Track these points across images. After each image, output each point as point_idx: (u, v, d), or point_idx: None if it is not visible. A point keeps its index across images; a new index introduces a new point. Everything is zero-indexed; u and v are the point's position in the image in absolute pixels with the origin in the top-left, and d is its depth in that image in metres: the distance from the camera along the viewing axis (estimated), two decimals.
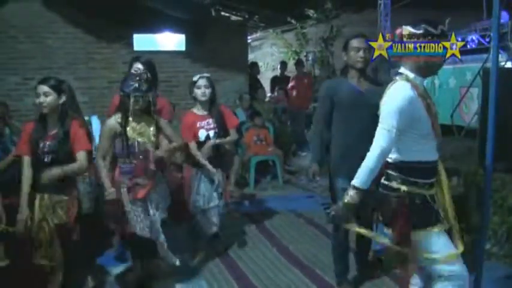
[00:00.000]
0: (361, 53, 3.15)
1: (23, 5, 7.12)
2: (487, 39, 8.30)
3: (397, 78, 2.35)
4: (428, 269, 2.40)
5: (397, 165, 2.36)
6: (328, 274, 3.63)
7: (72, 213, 3.07)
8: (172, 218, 3.51)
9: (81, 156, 3.02)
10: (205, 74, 4.00)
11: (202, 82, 3.90)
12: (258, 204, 5.73)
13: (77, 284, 3.33)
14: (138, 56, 3.91)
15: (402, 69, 2.37)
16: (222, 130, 3.98)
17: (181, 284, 3.56)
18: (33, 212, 2.97)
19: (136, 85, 3.13)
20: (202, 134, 3.91)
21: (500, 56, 4.83)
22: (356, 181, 2.30)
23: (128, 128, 3.17)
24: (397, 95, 2.28)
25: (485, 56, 7.40)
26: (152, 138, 3.22)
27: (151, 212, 3.20)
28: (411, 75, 2.33)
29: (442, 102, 9.14)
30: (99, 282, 3.57)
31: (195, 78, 3.95)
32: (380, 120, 2.32)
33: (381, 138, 2.28)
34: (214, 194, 3.94)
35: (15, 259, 3.18)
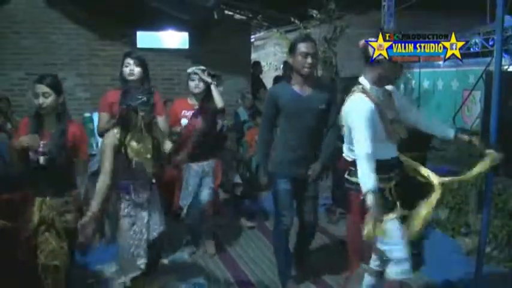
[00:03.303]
0: (309, 59, 3.13)
1: (27, 1, 7.14)
2: (491, 43, 8.29)
3: (355, 89, 2.58)
4: (382, 252, 2.62)
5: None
6: (326, 273, 3.63)
7: (78, 216, 3.00)
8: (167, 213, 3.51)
9: (81, 165, 3.05)
10: (201, 67, 4.03)
11: (195, 75, 3.95)
12: (258, 203, 5.72)
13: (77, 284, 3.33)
14: (130, 51, 3.84)
15: (361, 79, 2.60)
16: (206, 124, 3.94)
17: (180, 283, 3.56)
18: (31, 215, 2.85)
19: (145, 99, 2.85)
20: (183, 123, 3.92)
21: (503, 59, 4.81)
22: (365, 188, 2.43)
23: (127, 146, 2.90)
24: (358, 107, 2.51)
25: (488, 59, 7.39)
26: (150, 157, 2.95)
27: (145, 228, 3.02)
28: (367, 85, 2.56)
29: (444, 105, 9.15)
30: (96, 280, 3.59)
31: (189, 70, 4.01)
32: (352, 132, 2.53)
33: (360, 148, 2.47)
34: (205, 191, 3.98)
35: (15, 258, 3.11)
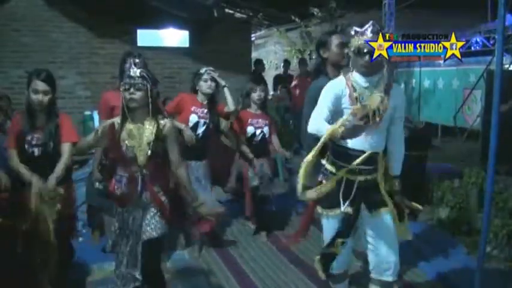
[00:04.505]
0: (345, 50, 2.99)
1: None
2: (492, 42, 8.30)
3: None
4: None
5: (330, 146, 2.62)
6: None
7: (70, 205, 3.08)
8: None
9: (65, 148, 2.98)
10: (211, 68, 4.05)
11: (208, 76, 3.98)
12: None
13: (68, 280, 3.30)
14: (133, 51, 3.76)
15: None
16: (213, 123, 4.07)
17: (179, 282, 3.56)
18: (27, 207, 2.87)
19: (129, 72, 2.56)
20: (193, 119, 3.95)
21: (504, 58, 4.81)
22: (326, 129, 2.42)
23: (123, 131, 2.60)
24: (328, 85, 2.59)
25: (489, 58, 7.39)
26: (145, 143, 2.57)
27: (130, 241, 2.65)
28: (353, 73, 2.53)
29: (445, 104, 9.15)
30: (92, 278, 3.58)
31: (201, 71, 4.01)
32: None
33: (313, 112, 2.55)
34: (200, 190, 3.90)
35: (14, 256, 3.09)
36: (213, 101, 4.09)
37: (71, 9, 7.33)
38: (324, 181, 2.63)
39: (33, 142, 2.91)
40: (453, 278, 3.48)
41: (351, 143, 2.50)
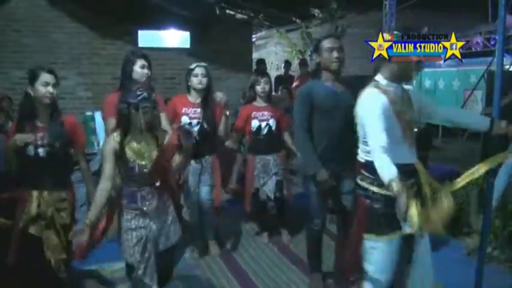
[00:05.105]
0: (335, 54, 3.11)
1: None
2: (492, 42, 8.30)
3: (369, 85, 2.42)
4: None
5: (369, 166, 2.38)
6: (328, 273, 3.63)
7: (73, 213, 3.03)
8: None
9: (82, 158, 3.13)
10: (203, 63, 3.95)
11: (199, 70, 3.88)
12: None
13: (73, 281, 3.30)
14: (141, 52, 3.61)
15: (378, 76, 2.43)
16: (207, 123, 3.89)
17: (180, 282, 3.56)
18: (28, 209, 2.85)
19: (145, 94, 2.57)
20: (184, 121, 3.84)
21: (504, 59, 4.80)
22: (387, 177, 2.19)
23: (127, 149, 2.63)
24: (370, 101, 2.35)
25: (489, 59, 7.40)
26: (154, 158, 2.65)
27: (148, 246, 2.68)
28: (383, 81, 2.39)
29: (445, 104, 9.14)
30: (93, 279, 3.59)
31: (192, 66, 3.92)
32: (365, 128, 2.35)
33: (374, 140, 2.28)
34: (204, 188, 3.94)
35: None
36: (207, 99, 3.90)
37: (72, 10, 7.33)
38: (375, 205, 2.41)
39: (39, 142, 2.83)
40: (453, 279, 3.48)
41: (401, 158, 2.33)
